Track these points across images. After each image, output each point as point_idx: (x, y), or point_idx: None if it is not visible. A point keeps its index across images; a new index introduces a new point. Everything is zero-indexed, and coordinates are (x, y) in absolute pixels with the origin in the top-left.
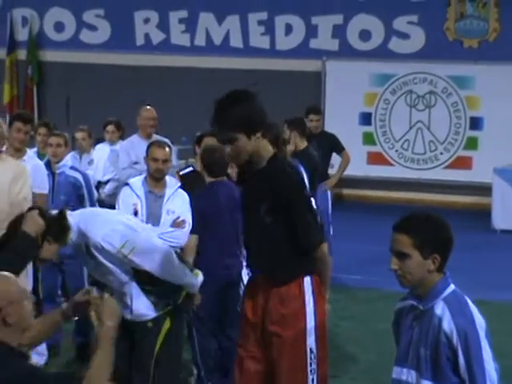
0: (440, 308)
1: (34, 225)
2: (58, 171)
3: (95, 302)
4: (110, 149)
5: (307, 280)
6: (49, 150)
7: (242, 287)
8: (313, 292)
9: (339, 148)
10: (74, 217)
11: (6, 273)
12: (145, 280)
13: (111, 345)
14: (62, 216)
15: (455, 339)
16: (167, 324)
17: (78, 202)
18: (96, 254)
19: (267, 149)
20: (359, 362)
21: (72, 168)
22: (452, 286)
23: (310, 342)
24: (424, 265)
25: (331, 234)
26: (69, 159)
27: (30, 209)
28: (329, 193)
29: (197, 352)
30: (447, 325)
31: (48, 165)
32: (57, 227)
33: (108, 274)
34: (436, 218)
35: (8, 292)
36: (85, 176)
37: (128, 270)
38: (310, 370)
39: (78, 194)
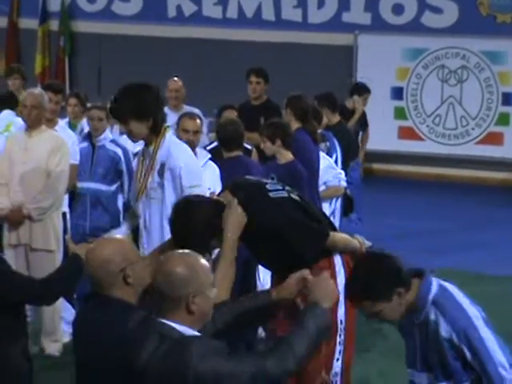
0: (433, 313)
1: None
2: (98, 144)
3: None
4: None
5: (337, 256)
6: (90, 123)
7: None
8: (343, 264)
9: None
10: (170, 134)
11: (120, 236)
12: None
13: (233, 257)
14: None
15: (456, 340)
16: None
17: (117, 177)
18: (166, 175)
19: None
20: (388, 337)
21: (112, 141)
22: (435, 285)
23: (341, 313)
24: (394, 303)
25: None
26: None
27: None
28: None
29: None
30: (444, 331)
31: (88, 137)
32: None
33: (154, 214)
34: (374, 263)
35: (127, 253)
36: (124, 150)
37: None
38: (339, 342)
39: (117, 169)
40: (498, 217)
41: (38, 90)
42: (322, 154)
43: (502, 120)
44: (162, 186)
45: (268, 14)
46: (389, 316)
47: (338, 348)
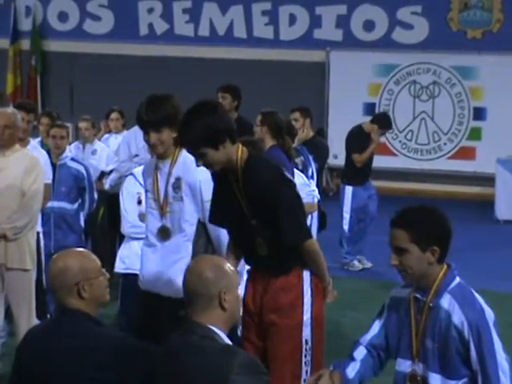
0: (447, 302)
1: None
2: (59, 162)
3: None
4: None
5: (306, 272)
6: (51, 141)
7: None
8: (311, 283)
9: None
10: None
11: (84, 250)
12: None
13: None
14: None
15: (466, 332)
16: None
17: (79, 194)
18: (185, 190)
19: (240, 153)
20: None
21: (73, 159)
22: (457, 279)
23: (306, 333)
24: (423, 258)
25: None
26: (72, 149)
27: None
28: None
29: None
30: (457, 318)
31: (48, 155)
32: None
33: (178, 221)
34: (432, 211)
35: (86, 268)
36: (86, 168)
37: (192, 232)
38: (305, 362)
39: (80, 186)
40: (471, 232)
41: (10, 109)
42: (296, 172)
43: (474, 135)
44: (179, 200)
45: (240, 32)
46: (409, 263)
47: (305, 368)
